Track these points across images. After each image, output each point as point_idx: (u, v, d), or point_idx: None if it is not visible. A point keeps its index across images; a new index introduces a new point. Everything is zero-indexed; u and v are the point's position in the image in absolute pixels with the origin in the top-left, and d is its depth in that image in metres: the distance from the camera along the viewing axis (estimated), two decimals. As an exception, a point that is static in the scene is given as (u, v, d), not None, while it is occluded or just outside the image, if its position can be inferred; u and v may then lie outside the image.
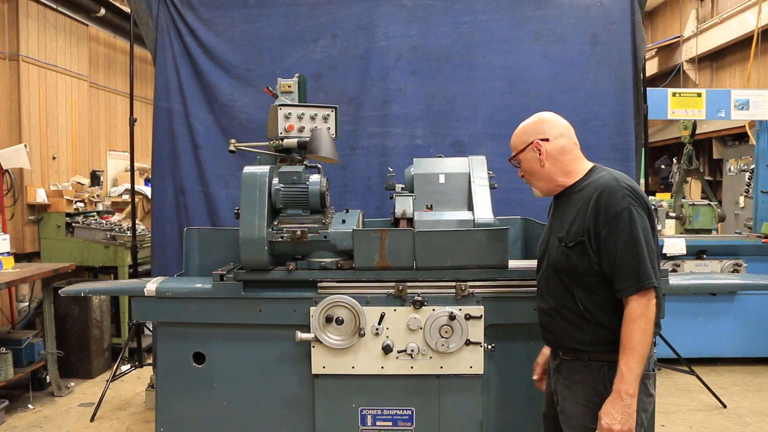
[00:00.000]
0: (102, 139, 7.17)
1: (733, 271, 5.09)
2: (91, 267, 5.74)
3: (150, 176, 5.28)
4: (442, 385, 2.69)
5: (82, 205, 5.90)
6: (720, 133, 8.96)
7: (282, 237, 2.71)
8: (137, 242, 4.69)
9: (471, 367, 2.65)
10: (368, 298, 2.67)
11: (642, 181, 5.38)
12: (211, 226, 3.99)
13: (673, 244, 5.06)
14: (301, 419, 2.77)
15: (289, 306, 2.71)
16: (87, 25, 6.52)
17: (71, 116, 6.28)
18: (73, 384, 4.98)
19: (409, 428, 2.73)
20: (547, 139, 2.14)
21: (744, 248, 5.24)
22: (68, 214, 5.68)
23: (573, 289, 2.05)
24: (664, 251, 5.01)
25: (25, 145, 5.31)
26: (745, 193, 6.95)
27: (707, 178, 9.30)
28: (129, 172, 4.84)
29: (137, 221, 5.00)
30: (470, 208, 2.98)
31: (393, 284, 2.66)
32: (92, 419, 4.23)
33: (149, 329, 5.36)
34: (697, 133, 6.62)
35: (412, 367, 2.66)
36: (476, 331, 2.62)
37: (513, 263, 2.70)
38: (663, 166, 9.86)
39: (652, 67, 11.27)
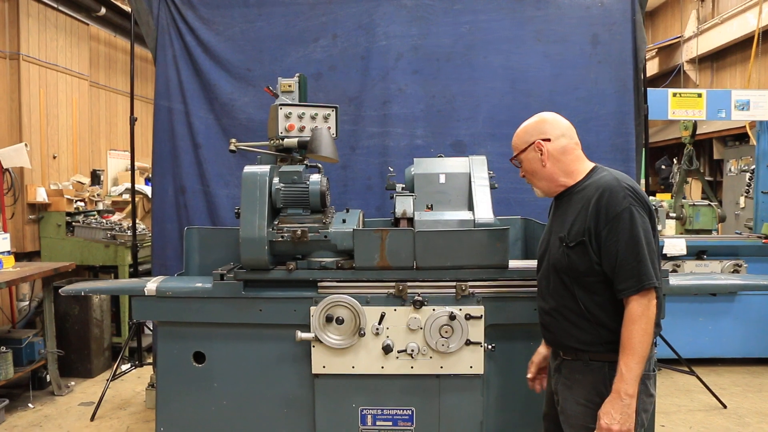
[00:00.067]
0: (102, 139, 7.16)
1: (733, 272, 5.09)
2: (92, 266, 5.75)
3: (150, 175, 5.28)
4: (442, 385, 2.69)
5: (82, 204, 5.90)
6: (720, 133, 8.96)
7: (282, 237, 2.71)
8: (137, 241, 4.69)
9: (471, 367, 2.65)
10: (368, 298, 2.68)
11: (642, 181, 5.37)
12: (211, 225, 3.99)
13: (674, 244, 5.06)
14: (301, 419, 2.77)
15: (289, 306, 2.71)
16: (87, 24, 6.52)
17: (72, 115, 6.28)
18: (73, 383, 4.98)
19: (409, 428, 2.73)
20: (548, 139, 2.14)
21: (744, 249, 5.25)
22: (68, 214, 5.68)
23: (574, 289, 2.05)
24: (664, 251, 5.00)
25: (26, 144, 5.30)
26: (745, 194, 6.94)
27: (707, 178, 9.29)
28: (129, 172, 4.84)
29: (137, 220, 5.01)
30: (471, 208, 2.98)
31: (393, 284, 2.67)
32: (92, 418, 4.24)
33: (149, 328, 5.36)
34: (697, 133, 6.63)
35: (412, 367, 2.66)
36: (476, 331, 2.62)
37: (513, 263, 2.70)
38: (663, 167, 9.86)
39: (652, 68, 11.27)
